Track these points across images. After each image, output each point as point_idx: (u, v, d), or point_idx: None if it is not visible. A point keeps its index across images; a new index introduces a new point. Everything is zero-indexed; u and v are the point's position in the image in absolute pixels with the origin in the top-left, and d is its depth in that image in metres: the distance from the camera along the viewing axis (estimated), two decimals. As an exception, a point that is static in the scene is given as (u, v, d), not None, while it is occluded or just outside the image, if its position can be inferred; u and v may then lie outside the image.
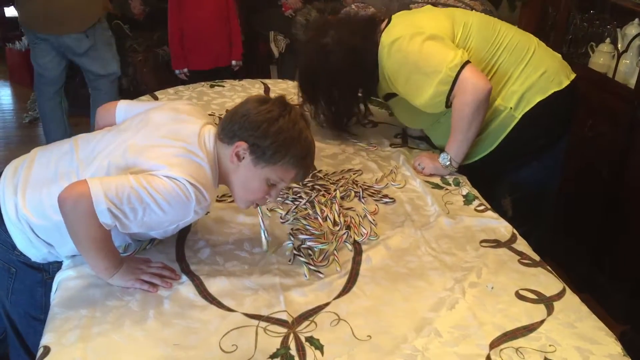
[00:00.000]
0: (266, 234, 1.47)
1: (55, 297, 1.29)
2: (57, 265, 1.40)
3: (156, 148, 1.29)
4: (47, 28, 3.05)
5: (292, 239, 1.51)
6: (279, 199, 1.66)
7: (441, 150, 1.89)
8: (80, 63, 3.31)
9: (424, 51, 1.73)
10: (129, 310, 1.25)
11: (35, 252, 1.37)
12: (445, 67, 1.69)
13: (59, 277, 1.35)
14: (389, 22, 1.87)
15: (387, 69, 1.83)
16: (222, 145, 1.33)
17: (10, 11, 5.19)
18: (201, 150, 1.29)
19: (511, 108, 1.80)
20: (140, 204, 1.20)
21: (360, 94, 2.02)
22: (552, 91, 1.80)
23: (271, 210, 1.64)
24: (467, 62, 1.70)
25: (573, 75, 1.87)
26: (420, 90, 1.76)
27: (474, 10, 2.06)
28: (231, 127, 1.32)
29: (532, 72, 1.80)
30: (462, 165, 1.87)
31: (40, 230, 1.33)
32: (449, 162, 1.83)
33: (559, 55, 1.91)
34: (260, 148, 1.29)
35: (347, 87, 1.95)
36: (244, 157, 1.31)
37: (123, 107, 1.49)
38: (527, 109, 1.80)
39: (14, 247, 1.36)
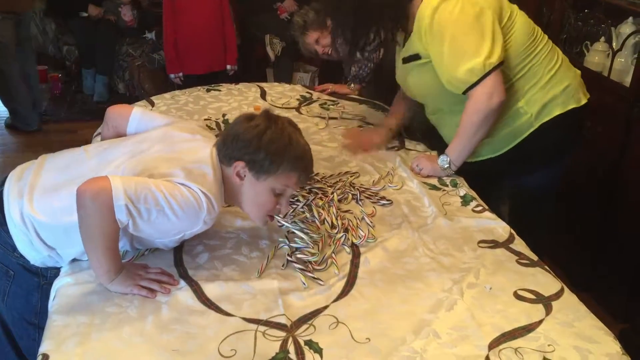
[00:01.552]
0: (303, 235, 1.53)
1: (53, 304, 1.29)
2: (54, 272, 1.40)
3: (173, 160, 1.35)
4: None
5: (287, 242, 1.51)
6: None
7: (440, 150, 1.88)
8: None
9: (470, 27, 1.63)
10: (127, 316, 1.25)
11: (35, 255, 1.37)
12: (481, 59, 1.62)
13: (57, 284, 1.35)
14: None
15: (425, 25, 1.68)
16: (224, 168, 1.39)
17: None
18: (212, 167, 1.36)
19: (531, 115, 1.77)
20: (156, 206, 1.24)
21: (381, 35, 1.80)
22: (571, 107, 1.78)
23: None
24: (500, 64, 1.65)
25: (588, 95, 1.85)
26: (449, 62, 1.67)
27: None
28: (226, 150, 1.38)
29: (557, 84, 1.77)
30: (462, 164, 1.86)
31: (45, 231, 1.34)
32: (447, 165, 1.82)
33: (579, 72, 1.88)
34: (257, 163, 1.35)
35: (372, 19, 1.76)
36: (245, 175, 1.37)
37: (137, 117, 1.53)
38: (546, 119, 1.77)
39: (14, 249, 1.37)
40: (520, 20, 1.75)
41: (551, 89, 1.77)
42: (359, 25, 1.74)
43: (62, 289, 1.32)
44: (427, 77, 1.79)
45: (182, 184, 1.29)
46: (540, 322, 1.26)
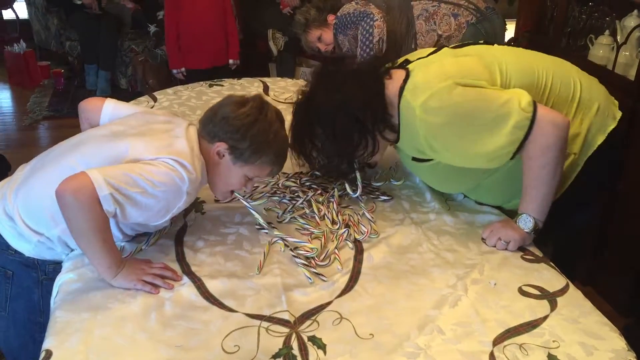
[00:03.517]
0: (257, 214, 1.55)
1: (56, 300, 1.29)
2: (52, 266, 1.40)
3: (147, 136, 1.37)
4: None
5: (282, 238, 1.50)
6: (275, 198, 1.69)
7: (490, 205, 1.67)
8: None
9: (478, 99, 1.43)
10: (130, 312, 1.24)
11: (27, 246, 1.38)
12: (516, 108, 1.40)
13: (59, 280, 1.34)
14: (407, 75, 1.52)
15: (424, 130, 1.47)
16: (204, 143, 1.41)
17: (8, 14, 5.20)
18: (187, 139, 1.37)
19: (575, 154, 1.55)
20: (138, 188, 1.26)
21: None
22: (611, 128, 1.58)
23: (268, 209, 1.64)
24: (534, 101, 1.44)
25: (616, 103, 1.66)
26: (482, 142, 1.43)
27: (495, 45, 1.72)
28: (212, 127, 1.41)
29: (587, 110, 1.56)
30: (505, 210, 1.66)
31: (28, 217, 1.35)
32: (532, 226, 1.48)
33: (596, 79, 1.67)
34: (239, 150, 1.39)
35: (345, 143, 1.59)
36: (223, 156, 1.41)
37: (110, 108, 1.51)
38: (590, 152, 1.56)
39: (8, 246, 1.38)
40: (514, 70, 1.53)
41: (584, 118, 1.56)
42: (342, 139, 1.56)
43: (64, 285, 1.32)
44: (445, 168, 1.57)
45: (156, 159, 1.30)
46: (545, 317, 1.26)
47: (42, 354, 1.14)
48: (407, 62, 1.61)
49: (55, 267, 1.40)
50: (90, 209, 1.21)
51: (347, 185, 1.70)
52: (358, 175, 1.68)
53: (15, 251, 1.39)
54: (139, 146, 1.33)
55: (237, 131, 1.38)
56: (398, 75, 1.54)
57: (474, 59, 1.54)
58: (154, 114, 1.51)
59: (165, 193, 1.29)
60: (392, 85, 1.53)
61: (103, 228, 1.26)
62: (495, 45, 1.72)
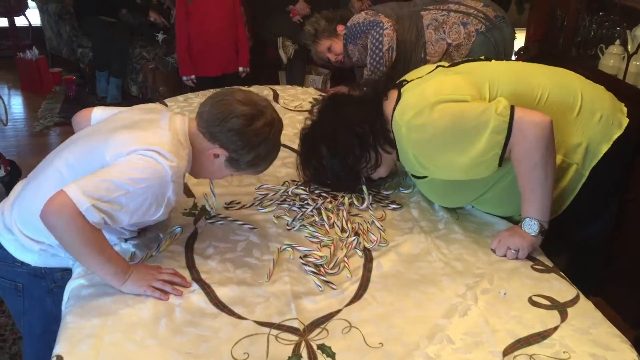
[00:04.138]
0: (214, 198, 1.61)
1: (67, 306, 1.30)
2: (61, 274, 1.42)
3: (128, 130, 1.35)
4: None
5: (291, 246, 1.51)
6: (284, 205, 1.70)
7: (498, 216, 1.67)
8: None
9: (456, 112, 1.48)
10: (140, 318, 1.25)
11: (31, 256, 1.40)
12: (493, 114, 1.42)
13: (69, 286, 1.35)
14: (399, 97, 1.60)
15: (411, 148, 1.55)
16: (199, 135, 1.39)
17: (21, 20, 5.25)
18: (169, 129, 1.35)
19: (577, 165, 1.55)
20: (120, 191, 1.25)
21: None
22: (616, 136, 1.56)
23: (278, 217, 1.64)
24: (512, 105, 1.45)
25: (625, 110, 1.65)
26: (464, 152, 1.46)
27: (492, 61, 1.73)
28: (215, 130, 1.37)
29: (588, 119, 1.56)
30: (515, 221, 1.62)
31: (26, 228, 1.38)
32: (538, 229, 1.47)
33: (602, 87, 1.67)
34: (237, 161, 1.40)
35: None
36: (218, 156, 1.40)
37: (98, 113, 1.53)
38: (594, 163, 1.56)
39: (14, 259, 1.40)
40: (505, 83, 1.56)
41: (585, 127, 1.55)
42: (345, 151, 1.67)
43: (75, 291, 1.33)
44: (445, 182, 1.60)
45: (133, 151, 1.29)
46: (556, 328, 1.25)
47: (53, 359, 1.14)
48: (404, 82, 1.68)
49: (63, 274, 1.41)
50: (75, 225, 1.21)
51: (354, 199, 1.73)
52: (365, 188, 1.72)
53: (22, 263, 1.40)
54: (117, 140, 1.32)
55: (243, 148, 1.37)
56: (392, 96, 1.64)
57: (463, 76, 1.61)
58: (142, 109, 1.50)
59: (150, 188, 1.28)
60: (387, 106, 1.64)
61: (95, 240, 1.25)
62: (493, 61, 1.76)
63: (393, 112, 1.60)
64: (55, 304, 1.36)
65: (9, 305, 1.61)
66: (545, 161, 1.42)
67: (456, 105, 1.50)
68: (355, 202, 1.72)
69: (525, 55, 3.12)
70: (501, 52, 2.51)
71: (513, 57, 2.94)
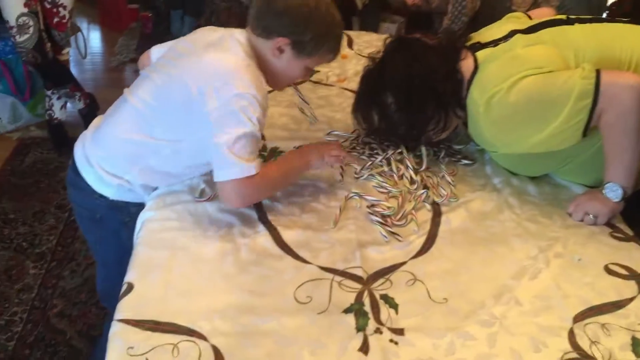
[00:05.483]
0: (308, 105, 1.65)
1: (139, 236, 1.34)
2: (136, 208, 1.45)
3: (196, 59, 1.36)
4: None
5: (359, 194, 1.48)
6: (354, 153, 1.65)
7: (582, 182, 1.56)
8: None
9: (538, 84, 1.39)
10: (208, 254, 1.27)
11: (109, 190, 1.44)
12: (578, 79, 1.34)
13: (142, 217, 1.39)
14: (475, 67, 1.49)
15: (488, 127, 1.48)
16: (257, 39, 1.37)
17: (102, -45, 5.30)
18: (235, 55, 1.34)
19: None
20: (247, 112, 1.27)
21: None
22: None
23: (346, 164, 1.60)
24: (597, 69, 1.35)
25: None
26: (547, 123, 1.37)
27: (575, 25, 1.54)
28: (268, 22, 1.35)
29: None
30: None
31: (105, 163, 1.41)
32: (622, 194, 1.39)
33: None
34: (301, 43, 1.35)
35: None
36: (284, 51, 1.36)
37: (156, 50, 1.59)
38: None
39: (93, 191, 1.45)
40: (592, 49, 1.45)
41: None
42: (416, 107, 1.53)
43: (147, 223, 1.36)
44: (529, 155, 1.51)
45: (235, 96, 1.27)
46: (632, 299, 1.19)
47: (124, 287, 1.18)
48: (478, 45, 1.54)
49: (138, 208, 1.44)
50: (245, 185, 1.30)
51: (407, 160, 1.61)
52: (424, 150, 1.61)
53: (100, 195, 1.44)
54: (192, 72, 1.33)
55: (298, 25, 1.33)
56: (468, 62, 1.51)
57: (545, 47, 1.47)
58: (203, 31, 1.49)
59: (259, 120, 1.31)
60: (464, 68, 1.51)
61: (282, 175, 1.41)
62: (576, 25, 1.55)
63: (468, 86, 1.49)
64: (129, 236, 1.41)
65: (85, 233, 1.69)
66: (638, 128, 1.32)
67: (539, 77, 1.40)
68: (411, 164, 1.60)
69: (618, 10, 2.91)
70: (594, 5, 2.35)
71: (604, 14, 2.76)
